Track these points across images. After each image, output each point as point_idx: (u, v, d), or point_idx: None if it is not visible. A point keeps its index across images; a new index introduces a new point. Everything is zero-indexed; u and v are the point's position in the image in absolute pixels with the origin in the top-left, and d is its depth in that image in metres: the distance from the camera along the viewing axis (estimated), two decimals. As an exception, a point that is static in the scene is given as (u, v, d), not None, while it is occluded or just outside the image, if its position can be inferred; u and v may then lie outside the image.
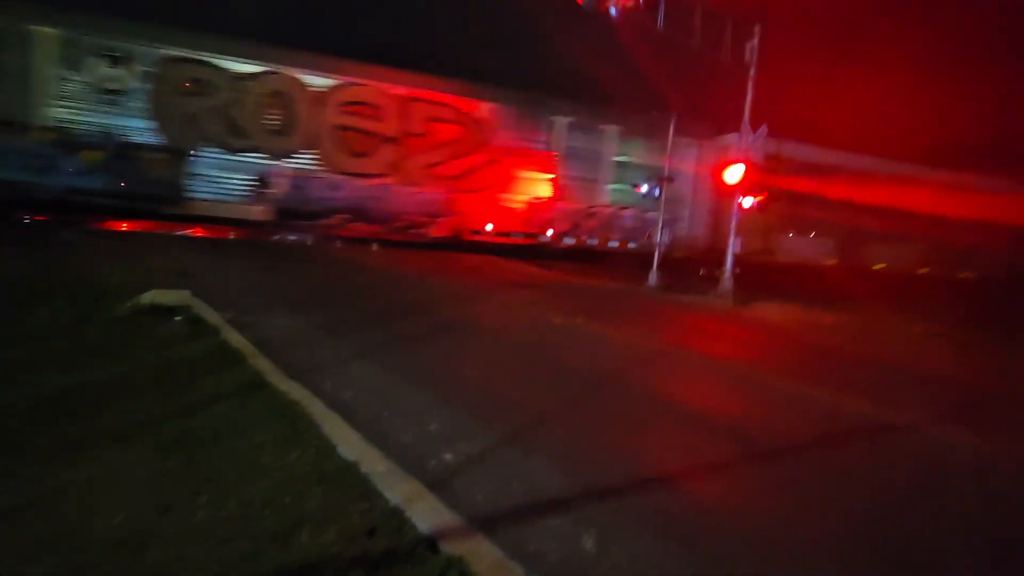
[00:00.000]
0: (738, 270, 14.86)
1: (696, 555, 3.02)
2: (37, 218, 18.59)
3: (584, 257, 24.84)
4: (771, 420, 5.45)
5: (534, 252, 24.53)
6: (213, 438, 3.59)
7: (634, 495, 3.60)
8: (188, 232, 19.92)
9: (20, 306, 6.62)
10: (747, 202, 14.47)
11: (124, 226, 19.59)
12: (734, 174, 14.13)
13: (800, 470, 4.27)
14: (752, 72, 14.40)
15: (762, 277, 17.49)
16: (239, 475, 3.21)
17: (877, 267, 31.67)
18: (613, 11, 12.32)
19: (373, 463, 3.62)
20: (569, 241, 28.09)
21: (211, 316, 6.97)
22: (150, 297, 7.42)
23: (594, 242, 28.36)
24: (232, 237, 20.31)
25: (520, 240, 26.78)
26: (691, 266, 20.72)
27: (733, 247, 14.82)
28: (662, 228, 17.87)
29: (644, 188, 19.17)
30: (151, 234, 18.27)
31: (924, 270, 32.54)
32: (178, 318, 6.78)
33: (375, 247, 21.41)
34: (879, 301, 15.99)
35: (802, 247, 31.30)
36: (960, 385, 7.77)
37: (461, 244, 24.43)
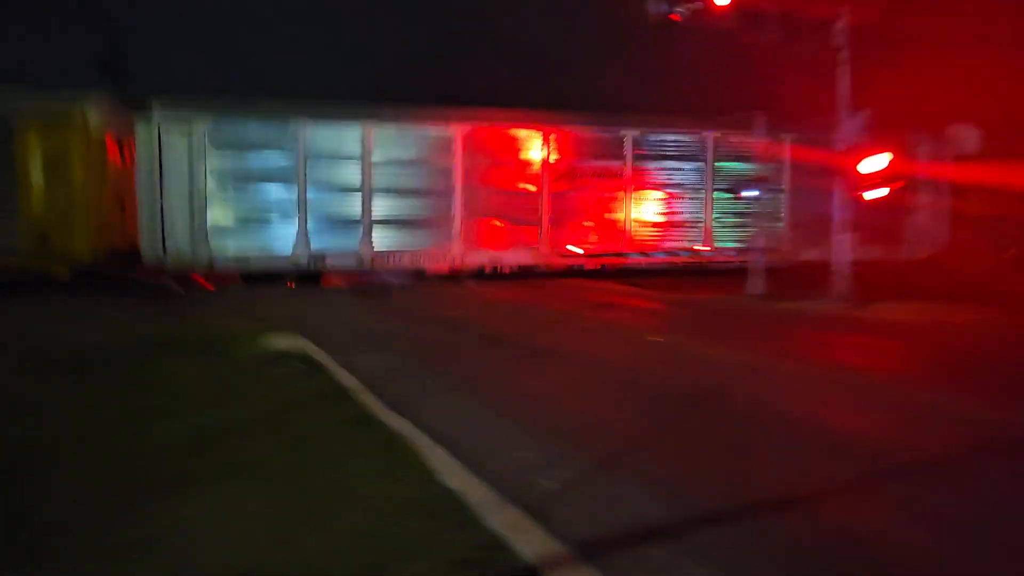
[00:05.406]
0: (852, 269, 13.50)
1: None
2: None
3: (677, 271, 23.89)
4: (896, 434, 4.81)
5: (624, 271, 23.93)
6: (318, 471, 3.77)
7: (747, 523, 3.29)
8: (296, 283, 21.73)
9: (158, 356, 7.48)
10: (873, 194, 12.93)
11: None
12: (874, 163, 12.55)
13: (939, 489, 3.70)
14: (844, 55, 13.31)
15: (881, 275, 15.78)
16: (346, 505, 3.33)
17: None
18: (682, 15, 12.00)
19: (473, 492, 3.61)
20: (660, 256, 27.14)
21: (320, 357, 7.46)
22: (268, 343, 8.11)
23: (685, 254, 27.15)
24: (336, 284, 21.82)
25: (610, 260, 26.27)
26: (797, 269, 19.20)
27: (844, 244, 13.52)
28: (760, 232, 16.79)
29: (745, 193, 18.09)
30: (268, 287, 20.11)
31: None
32: (293, 360, 7.32)
33: (470, 281, 22.02)
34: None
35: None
36: None
37: (559, 270, 24.39)
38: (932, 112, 21.33)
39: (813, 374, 6.99)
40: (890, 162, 12.51)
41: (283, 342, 8.17)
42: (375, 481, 3.62)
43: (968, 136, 20.02)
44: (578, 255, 26.13)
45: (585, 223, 26.41)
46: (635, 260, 26.05)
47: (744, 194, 18.47)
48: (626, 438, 4.64)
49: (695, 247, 26.95)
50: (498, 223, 26.05)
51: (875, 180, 12.80)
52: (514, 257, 25.52)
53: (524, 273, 23.75)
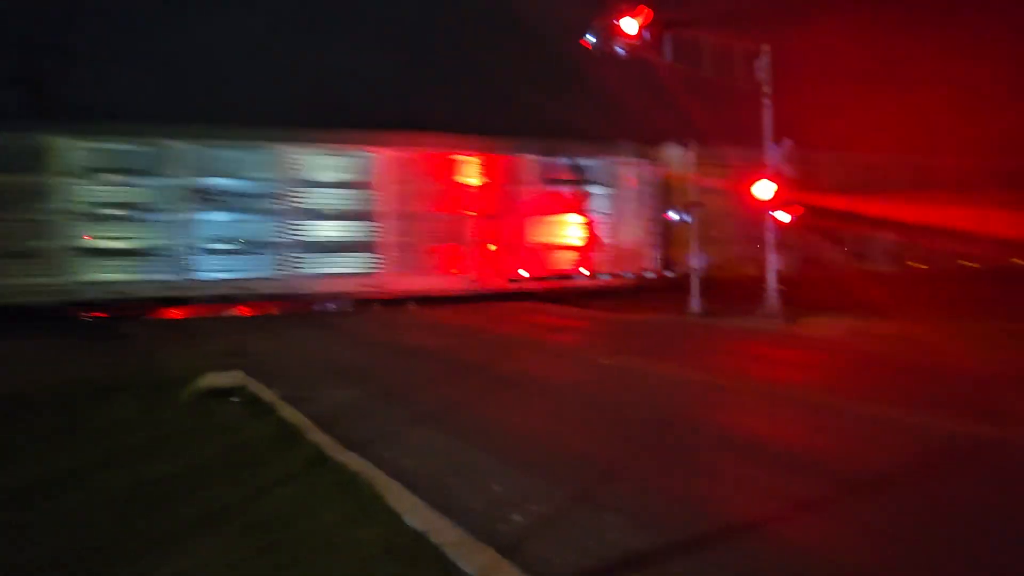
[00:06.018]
0: (782, 287, 14.42)
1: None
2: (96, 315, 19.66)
3: (620, 292, 24.62)
4: (850, 448, 5.14)
5: (571, 293, 24.46)
6: (286, 521, 3.60)
7: (716, 547, 3.39)
8: (235, 312, 20.68)
9: (92, 402, 6.89)
10: (784, 217, 14.13)
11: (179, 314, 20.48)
12: (764, 189, 13.87)
13: (893, 502, 3.96)
14: (767, 88, 14.39)
15: (808, 291, 16.89)
16: (316, 557, 3.19)
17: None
18: (620, 50, 12.61)
19: (443, 532, 3.54)
20: (604, 277, 28.01)
21: (265, 394, 7.10)
22: (207, 381, 7.62)
23: (630, 275, 28.17)
24: (276, 312, 20.95)
25: (556, 283, 26.81)
26: (732, 288, 20.25)
27: (773, 264, 14.44)
28: (697, 253, 17.63)
29: (674, 215, 19.12)
30: (202, 318, 19.02)
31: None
32: (234, 399, 6.92)
33: (412, 306, 21.71)
34: (930, 305, 15.06)
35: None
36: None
37: (497, 293, 24.57)
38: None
39: (765, 391, 7.29)
40: (783, 188, 13.72)
41: (223, 379, 7.72)
42: (346, 528, 3.49)
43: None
44: (522, 277, 26.52)
45: (492, 246, 27.08)
46: (568, 283, 26.80)
47: (671, 216, 19.53)
48: (595, 466, 4.69)
49: (619, 269, 28.18)
50: (434, 247, 26.19)
51: (773, 204, 13.91)
52: (449, 281, 25.63)
53: (463, 296, 23.73)
